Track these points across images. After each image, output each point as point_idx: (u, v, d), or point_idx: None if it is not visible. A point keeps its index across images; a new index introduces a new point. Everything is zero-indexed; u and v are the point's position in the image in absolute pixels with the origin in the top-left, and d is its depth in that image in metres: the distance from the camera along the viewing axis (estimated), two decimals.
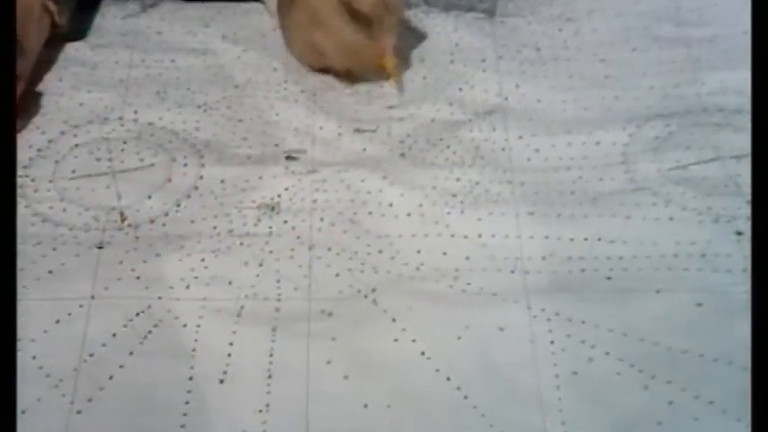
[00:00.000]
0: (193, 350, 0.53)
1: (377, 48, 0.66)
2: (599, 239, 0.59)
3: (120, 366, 0.52)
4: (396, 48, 0.68)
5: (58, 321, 0.53)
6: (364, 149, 0.65)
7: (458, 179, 0.63)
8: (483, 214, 0.60)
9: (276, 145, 0.66)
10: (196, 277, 0.57)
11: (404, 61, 0.70)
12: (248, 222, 0.60)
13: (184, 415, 0.49)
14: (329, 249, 0.59)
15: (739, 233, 0.57)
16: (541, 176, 0.63)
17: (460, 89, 0.70)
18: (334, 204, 0.61)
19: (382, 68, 0.68)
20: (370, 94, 0.70)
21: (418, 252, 0.58)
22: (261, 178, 0.63)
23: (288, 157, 0.65)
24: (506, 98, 0.69)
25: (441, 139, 0.66)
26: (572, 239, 0.59)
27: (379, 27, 0.66)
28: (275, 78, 0.71)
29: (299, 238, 0.59)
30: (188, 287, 0.56)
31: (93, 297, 0.55)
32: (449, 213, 0.60)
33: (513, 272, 0.57)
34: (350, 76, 0.69)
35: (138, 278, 0.56)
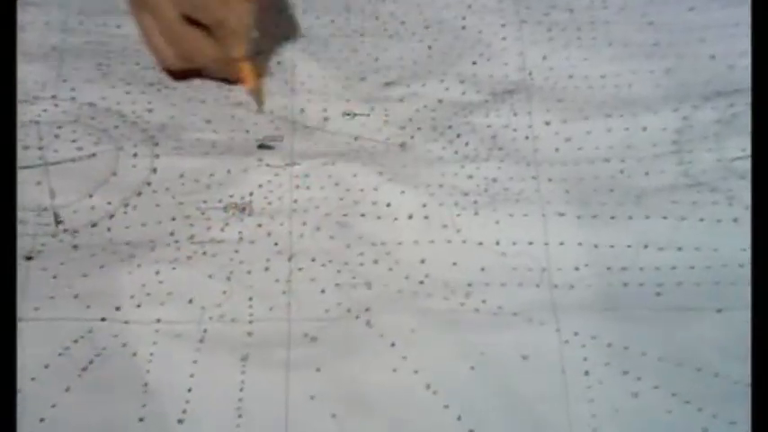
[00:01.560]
0: (146, 384, 0.55)
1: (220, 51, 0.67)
2: (645, 246, 0.61)
3: (53, 406, 0.54)
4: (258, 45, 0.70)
5: None
6: (356, 138, 0.68)
7: (470, 175, 0.66)
8: (502, 216, 0.63)
9: (247, 131, 0.69)
10: (149, 294, 0.59)
11: (265, 65, 0.71)
12: (213, 226, 0.63)
13: None
14: (313, 260, 0.62)
15: None
16: (574, 170, 0.66)
17: (474, 62, 0.72)
18: (320, 204, 0.64)
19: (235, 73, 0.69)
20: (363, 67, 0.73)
21: (422, 262, 0.61)
22: (229, 172, 0.66)
23: (261, 146, 0.67)
24: (531, 73, 0.71)
25: (449, 126, 0.69)
26: (612, 246, 0.62)
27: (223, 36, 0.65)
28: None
29: (276, 245, 0.62)
30: (139, 306, 0.59)
31: (20, 319, 0.57)
32: (459, 215, 0.63)
33: (538, 286, 0.60)
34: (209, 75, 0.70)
35: (76, 296, 0.59)
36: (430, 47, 0.73)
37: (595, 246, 0.62)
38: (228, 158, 0.66)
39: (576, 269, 0.61)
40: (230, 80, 0.70)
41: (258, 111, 0.69)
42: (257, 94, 0.69)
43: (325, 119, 0.69)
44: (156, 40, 0.66)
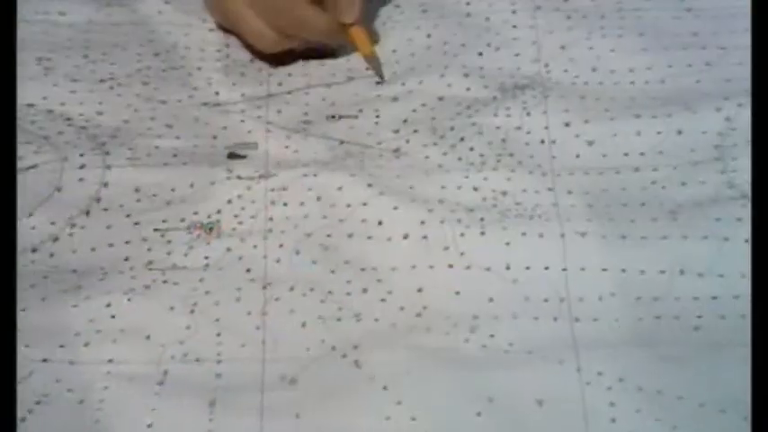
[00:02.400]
0: None
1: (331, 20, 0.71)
2: (682, 272, 0.62)
3: None
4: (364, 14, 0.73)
5: None
6: (341, 143, 0.69)
7: (476, 187, 0.67)
8: (513, 236, 0.64)
9: (214, 137, 0.70)
10: (99, 331, 0.60)
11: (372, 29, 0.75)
12: (175, 250, 0.64)
13: None
14: (292, 288, 0.62)
15: None
16: (598, 181, 0.67)
17: (480, 53, 0.73)
18: (299, 223, 0.65)
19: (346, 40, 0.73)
20: (351, 61, 0.74)
21: (419, 291, 0.62)
22: (192, 186, 0.67)
23: (231, 155, 0.68)
24: (547, 66, 0.73)
25: (451, 128, 0.69)
26: (643, 272, 0.62)
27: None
28: (213, 41, 0.75)
29: (248, 271, 0.63)
30: (87, 345, 0.59)
31: None
32: (463, 235, 0.64)
33: (556, 319, 0.61)
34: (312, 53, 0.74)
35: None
36: (429, 35, 0.74)
37: (623, 271, 0.62)
38: (192, 170, 0.67)
39: (601, 299, 0.61)
40: (333, 52, 0.73)
41: (380, 80, 0.71)
42: (375, 62, 0.72)
43: (306, 122, 0.70)
44: (253, 25, 0.69)
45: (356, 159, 0.68)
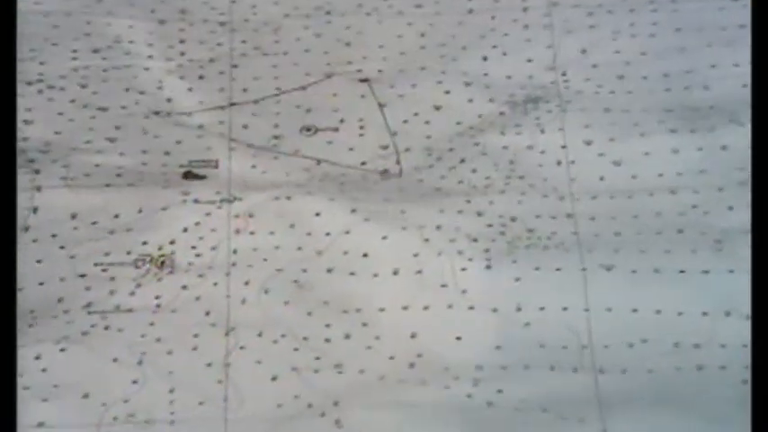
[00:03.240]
0: None
1: None
2: (728, 313, 0.63)
3: None
4: None
5: None
6: (319, 162, 0.69)
7: (480, 212, 0.67)
8: (525, 271, 0.64)
9: (167, 153, 0.70)
10: (27, 388, 0.60)
11: None
12: (119, 289, 0.64)
13: None
14: (260, 334, 0.63)
15: None
16: (626, 205, 0.67)
17: (485, 58, 0.73)
18: (269, 256, 0.65)
19: None
20: (330, 56, 0.74)
21: (413, 337, 0.62)
22: (140, 212, 0.67)
23: (188, 175, 0.69)
24: (564, 74, 0.73)
25: (451, 148, 0.70)
26: (680, 314, 0.63)
27: None
28: (164, 34, 0.74)
29: (208, 314, 0.63)
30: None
31: None
32: (465, 270, 0.64)
33: (576, 370, 0.61)
34: None
35: None
36: (423, 34, 0.74)
37: (657, 312, 0.63)
38: (140, 192, 0.66)
39: (631, 346, 0.61)
40: None
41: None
42: None
43: (277, 136, 0.70)
44: None
45: (336, 181, 0.68)
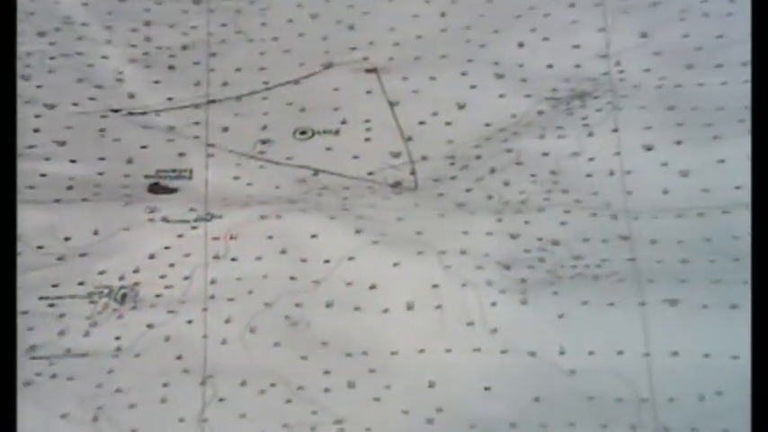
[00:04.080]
0: None
1: None
2: None
3: None
4: None
5: None
6: (316, 173, 0.70)
7: (515, 234, 0.67)
8: (569, 307, 0.64)
9: (129, 161, 0.70)
10: None
11: None
12: (71, 329, 0.64)
13: None
14: (243, 383, 0.62)
15: None
16: (696, 225, 0.67)
17: (520, 44, 0.73)
18: (255, 287, 0.65)
19: None
20: (329, 43, 0.74)
21: (431, 387, 0.62)
22: (97, 233, 0.67)
23: (155, 187, 0.69)
24: (619, 63, 0.72)
25: (478, 156, 0.70)
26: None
27: None
28: (126, 14, 0.74)
29: (180, 359, 0.63)
30: None
31: None
32: (496, 305, 0.64)
33: (634, 429, 0.61)
34: None
35: None
36: (443, 13, 0.74)
37: (734, 358, 0.62)
38: (97, 209, 0.67)
39: (701, 399, 0.61)
40: None
41: None
42: None
43: (264, 141, 0.70)
44: None
45: (338, 195, 0.68)
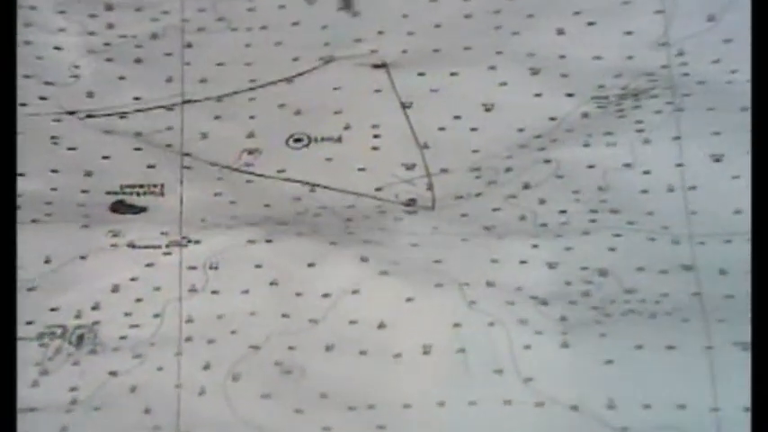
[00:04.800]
0: None
1: None
2: None
3: None
4: None
5: None
6: (314, 189, 0.70)
7: (553, 263, 0.67)
8: (620, 351, 0.64)
9: (88, 173, 0.70)
10: None
11: None
12: (18, 378, 0.63)
13: None
14: None
15: None
16: None
17: (561, 31, 0.74)
18: (241, 326, 0.65)
19: None
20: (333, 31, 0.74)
21: None
22: (48, 262, 0.67)
23: (119, 206, 0.69)
24: (682, 53, 0.72)
25: (508, 168, 0.70)
26: None
27: None
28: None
29: (148, 413, 0.63)
30: None
31: None
32: (530, 349, 0.64)
33: None
34: None
35: None
36: None
37: None
38: (48, 232, 0.67)
39: None
40: None
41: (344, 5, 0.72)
42: None
43: (252, 150, 0.70)
44: None
45: (339, 216, 0.68)
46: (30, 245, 0.67)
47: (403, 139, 0.71)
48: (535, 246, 0.67)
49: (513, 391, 0.63)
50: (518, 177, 0.69)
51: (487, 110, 0.71)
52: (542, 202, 0.68)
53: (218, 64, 0.73)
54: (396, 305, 0.65)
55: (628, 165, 0.69)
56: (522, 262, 0.67)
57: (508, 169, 0.69)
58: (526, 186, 0.69)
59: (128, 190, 0.69)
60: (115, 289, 0.66)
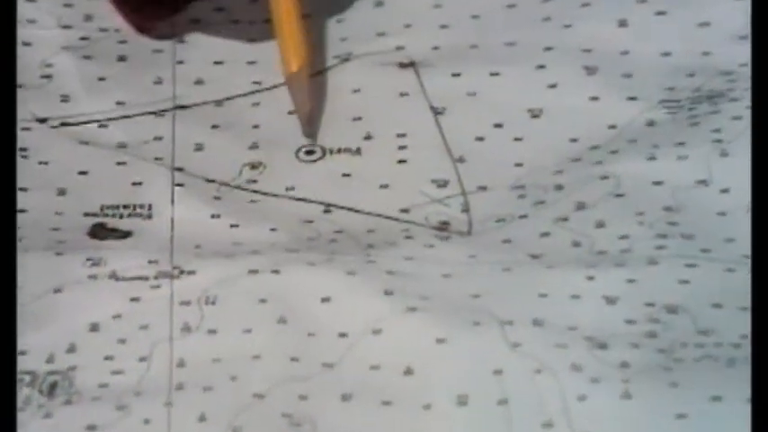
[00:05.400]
0: None
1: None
2: None
3: None
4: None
5: None
6: (327, 209, 0.70)
7: (612, 298, 0.66)
8: (694, 402, 0.63)
9: (62, 192, 0.70)
10: None
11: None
12: None
13: None
14: None
15: None
16: None
17: (622, 22, 0.74)
18: (242, 372, 0.64)
19: None
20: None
21: None
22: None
23: (100, 230, 0.69)
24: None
25: (559, 185, 0.70)
26: None
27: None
28: None
29: None
30: None
31: None
32: (585, 400, 0.63)
33: None
34: None
35: None
36: None
37: None
38: (19, 260, 0.65)
39: None
40: None
41: (309, 140, 0.72)
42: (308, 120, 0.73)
43: (255, 164, 0.71)
44: None
45: (359, 242, 0.68)
46: None
47: (434, 150, 0.71)
48: (591, 277, 0.67)
49: None
50: (570, 196, 0.70)
51: (534, 116, 0.72)
52: (600, 225, 0.68)
53: (217, 62, 0.74)
54: (425, 347, 0.65)
55: (702, 182, 0.69)
56: (576, 297, 0.66)
57: (558, 187, 0.70)
58: (580, 207, 0.69)
59: (109, 211, 0.70)
60: (94, 328, 0.66)
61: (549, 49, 0.73)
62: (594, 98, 0.71)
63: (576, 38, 0.73)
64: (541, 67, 0.72)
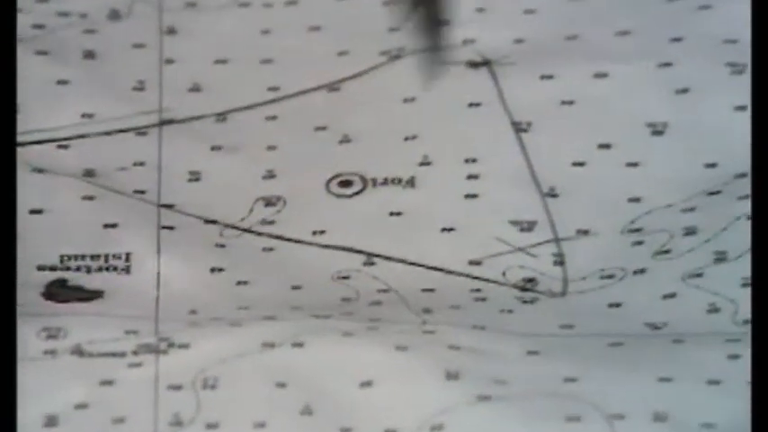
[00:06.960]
0: None
1: None
2: None
3: None
4: None
5: None
6: (371, 261, 0.71)
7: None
8: None
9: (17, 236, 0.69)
10: None
11: None
12: None
13: None
14: None
15: None
16: None
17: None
18: None
19: None
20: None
21: None
22: None
23: (59, 290, 0.70)
24: None
25: (691, 229, 0.71)
26: None
27: None
28: None
29: None
30: None
31: None
32: None
33: None
34: None
35: None
36: None
37: None
38: None
39: None
40: None
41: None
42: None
43: (271, 200, 0.72)
44: None
45: (411, 306, 0.69)
46: None
47: (515, 181, 0.73)
48: (735, 356, 0.67)
49: None
50: (706, 243, 0.71)
51: (656, 132, 0.73)
52: (746, 284, 0.69)
53: (218, 62, 0.76)
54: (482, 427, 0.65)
55: None
56: (714, 382, 0.67)
57: (689, 231, 0.71)
58: (720, 258, 0.70)
59: (72, 264, 0.71)
60: (51, 422, 0.67)
61: (676, 40, 0.74)
62: (741, 107, 0.72)
63: (715, 26, 0.75)
64: (666, 65, 0.74)
